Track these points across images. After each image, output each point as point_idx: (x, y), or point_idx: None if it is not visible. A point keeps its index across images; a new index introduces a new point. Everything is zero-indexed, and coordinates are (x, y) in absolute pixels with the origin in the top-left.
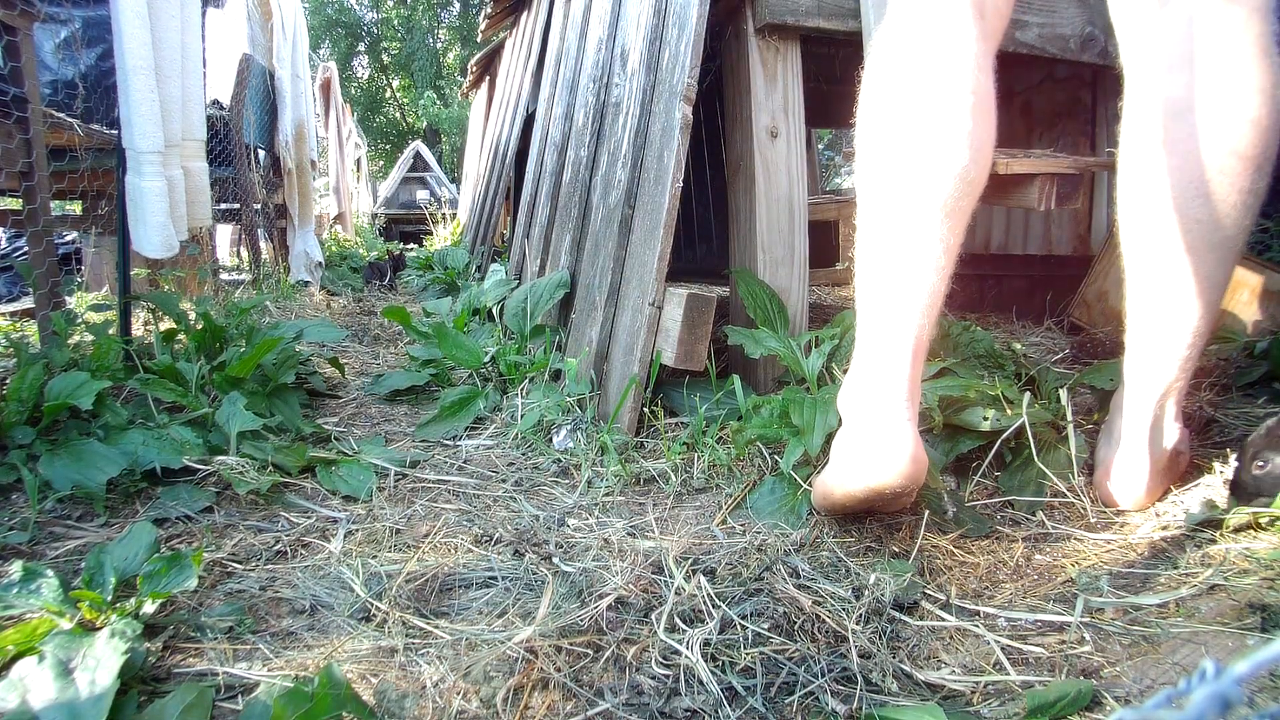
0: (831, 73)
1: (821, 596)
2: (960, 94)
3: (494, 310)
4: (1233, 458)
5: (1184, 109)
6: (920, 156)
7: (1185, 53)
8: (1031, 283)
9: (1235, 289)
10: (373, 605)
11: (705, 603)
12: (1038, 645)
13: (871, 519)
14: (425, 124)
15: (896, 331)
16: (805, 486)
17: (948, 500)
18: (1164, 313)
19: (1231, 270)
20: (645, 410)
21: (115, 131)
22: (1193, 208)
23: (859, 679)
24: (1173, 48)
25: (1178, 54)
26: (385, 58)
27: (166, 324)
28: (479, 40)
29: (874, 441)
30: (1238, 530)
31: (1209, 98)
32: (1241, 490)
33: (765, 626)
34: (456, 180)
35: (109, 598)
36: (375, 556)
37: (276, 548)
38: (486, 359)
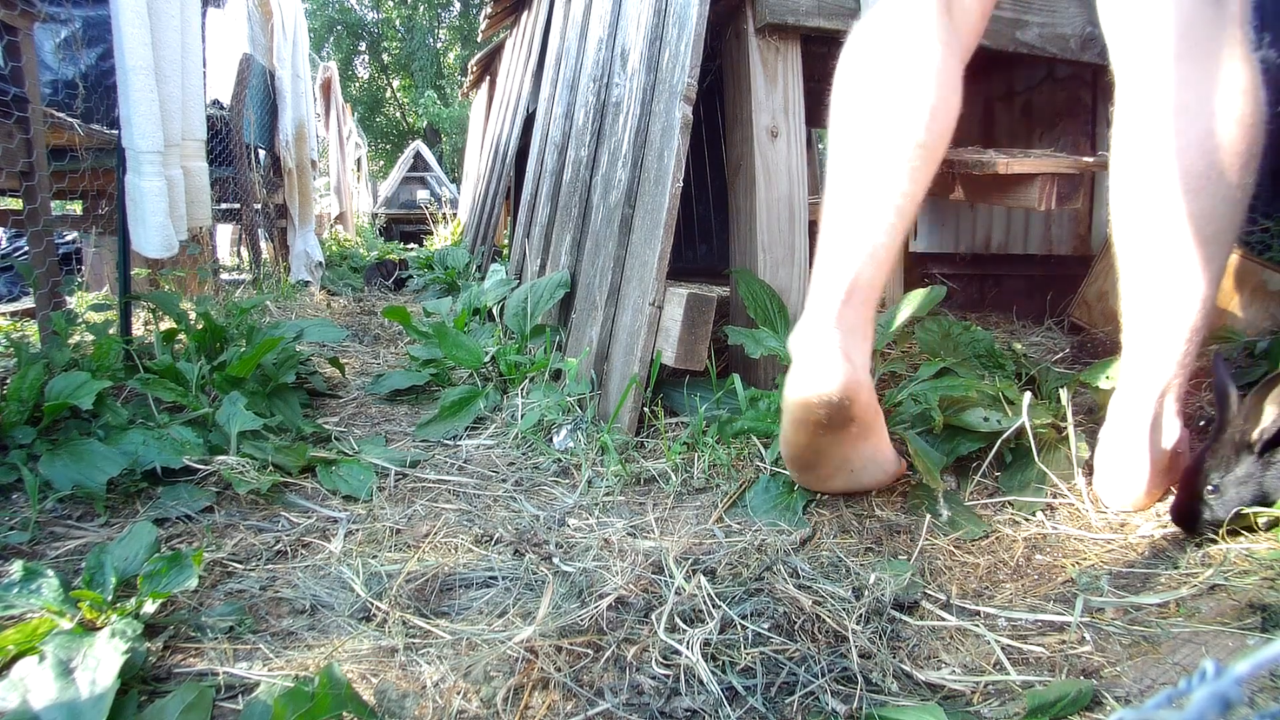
0: (831, 73)
1: (822, 596)
2: (922, 70)
3: (494, 310)
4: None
5: (1173, 108)
6: (879, 123)
7: (1172, 53)
8: (1031, 283)
9: (1235, 289)
10: (373, 605)
11: (705, 603)
12: (1038, 645)
13: (872, 519)
14: (425, 124)
15: (834, 270)
16: (799, 484)
17: (943, 502)
18: (1159, 310)
19: (1224, 265)
20: (645, 410)
21: (115, 131)
22: (1184, 204)
23: (859, 679)
24: (1160, 49)
25: (1165, 55)
26: (386, 57)
27: (167, 324)
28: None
29: (801, 358)
30: (1237, 531)
31: (1197, 97)
32: (1198, 520)
33: (765, 626)
34: (457, 180)
35: (109, 598)
36: (375, 556)
37: (277, 547)
38: (486, 359)
